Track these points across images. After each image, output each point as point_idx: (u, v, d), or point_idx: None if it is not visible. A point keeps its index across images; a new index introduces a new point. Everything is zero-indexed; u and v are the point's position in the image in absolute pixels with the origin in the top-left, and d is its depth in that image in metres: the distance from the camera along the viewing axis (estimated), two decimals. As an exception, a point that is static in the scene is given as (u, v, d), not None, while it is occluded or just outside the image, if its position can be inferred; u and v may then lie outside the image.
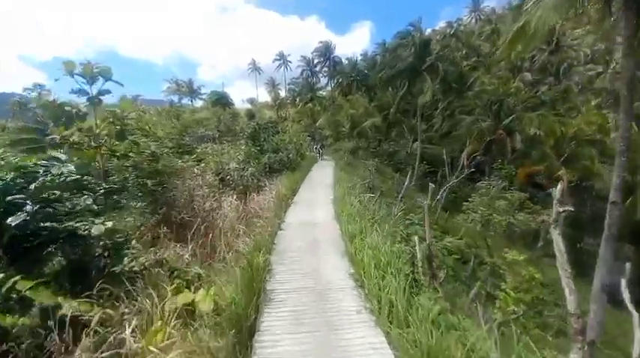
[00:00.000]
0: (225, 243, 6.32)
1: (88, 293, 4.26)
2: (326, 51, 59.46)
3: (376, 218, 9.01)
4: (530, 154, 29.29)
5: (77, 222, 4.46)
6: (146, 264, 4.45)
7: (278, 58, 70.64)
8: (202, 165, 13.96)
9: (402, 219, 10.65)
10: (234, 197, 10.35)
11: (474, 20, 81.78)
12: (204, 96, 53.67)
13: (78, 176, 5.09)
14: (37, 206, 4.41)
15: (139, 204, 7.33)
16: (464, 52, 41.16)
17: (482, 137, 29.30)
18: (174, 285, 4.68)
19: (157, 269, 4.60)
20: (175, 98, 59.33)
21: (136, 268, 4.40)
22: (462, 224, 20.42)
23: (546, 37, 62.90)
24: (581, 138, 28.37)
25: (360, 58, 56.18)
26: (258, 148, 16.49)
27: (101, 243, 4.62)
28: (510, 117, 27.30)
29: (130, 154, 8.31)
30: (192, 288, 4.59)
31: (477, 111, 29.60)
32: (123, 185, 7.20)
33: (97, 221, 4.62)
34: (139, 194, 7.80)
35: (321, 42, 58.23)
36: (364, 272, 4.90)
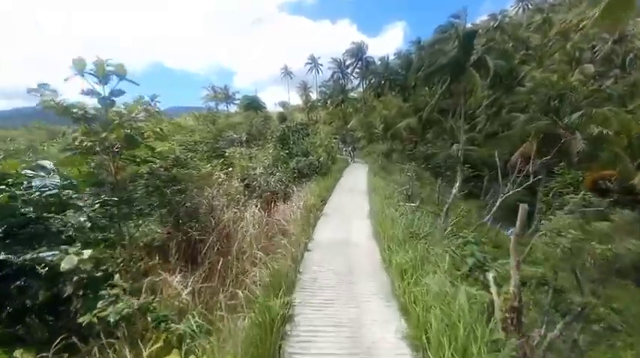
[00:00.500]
0: (239, 271, 5.01)
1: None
2: (358, 51, 57.62)
3: (422, 234, 7.31)
4: (597, 157, 25.15)
5: (43, 251, 3.39)
6: (125, 312, 3.27)
7: (309, 61, 70.16)
8: (230, 169, 13.09)
9: (454, 236, 8.75)
10: (258, 206, 9.17)
11: (520, 10, 75.02)
12: (238, 102, 54.75)
13: (58, 190, 4.09)
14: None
15: (146, 218, 6.33)
16: (510, 45, 37.13)
17: (538, 137, 25.74)
18: (163, 338, 3.43)
19: (140, 319, 3.40)
20: (212, 104, 61.12)
21: (111, 318, 3.22)
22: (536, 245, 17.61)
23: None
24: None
25: (393, 57, 53.69)
26: (287, 152, 15.34)
27: (75, 278, 3.51)
28: (577, 114, 23.52)
29: (149, 159, 7.44)
30: (184, 347, 3.30)
31: (533, 108, 26.02)
32: (130, 196, 6.24)
33: (71, 250, 3.53)
34: (151, 205, 6.84)
35: (353, 43, 56.50)
36: (427, 337, 3.28)
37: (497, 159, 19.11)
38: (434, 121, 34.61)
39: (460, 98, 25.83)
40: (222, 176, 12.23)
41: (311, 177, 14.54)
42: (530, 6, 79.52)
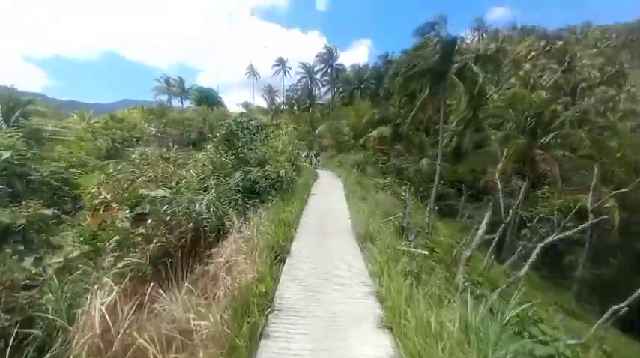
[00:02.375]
0: None
1: None
2: (329, 58, 54.06)
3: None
4: (569, 180, 23.94)
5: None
6: None
7: (277, 64, 65.03)
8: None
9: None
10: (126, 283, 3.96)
11: (477, 38, 78.25)
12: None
13: None
14: None
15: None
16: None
17: (516, 156, 23.77)
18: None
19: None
20: (164, 98, 52.66)
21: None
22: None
23: (558, 56, 58.15)
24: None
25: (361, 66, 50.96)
26: (234, 157, 10.21)
27: None
28: (551, 134, 21.85)
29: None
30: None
31: (509, 125, 24.01)
32: None
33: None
34: None
35: (325, 47, 52.77)
36: None
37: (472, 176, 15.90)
38: (403, 133, 31.76)
39: (438, 109, 22.92)
40: (105, 196, 6.72)
41: (267, 197, 9.57)
42: (484, 35, 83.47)
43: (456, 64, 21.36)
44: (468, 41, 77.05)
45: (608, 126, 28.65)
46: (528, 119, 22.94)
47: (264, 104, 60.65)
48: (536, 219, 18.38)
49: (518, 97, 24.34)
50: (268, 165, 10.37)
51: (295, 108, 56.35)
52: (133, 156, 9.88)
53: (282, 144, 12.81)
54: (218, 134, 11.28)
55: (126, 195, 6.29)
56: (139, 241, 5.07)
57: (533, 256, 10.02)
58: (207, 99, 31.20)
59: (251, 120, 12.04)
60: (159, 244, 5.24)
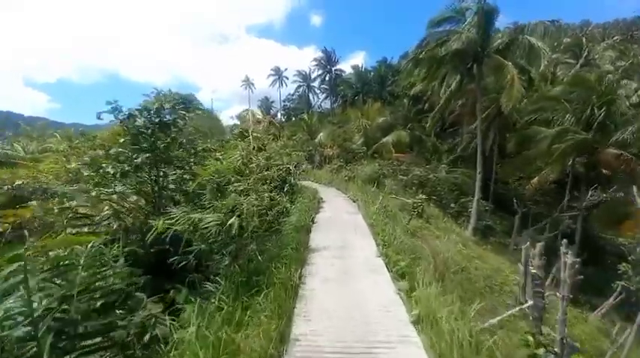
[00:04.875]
0: None
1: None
2: (327, 62, 48.93)
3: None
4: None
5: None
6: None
7: (273, 73, 60.11)
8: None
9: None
10: None
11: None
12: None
13: None
14: None
15: None
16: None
17: (573, 158, 17.72)
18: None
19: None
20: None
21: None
22: None
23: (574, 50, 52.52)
24: None
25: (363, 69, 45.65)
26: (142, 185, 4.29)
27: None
28: (631, 128, 15.90)
29: None
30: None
31: (568, 118, 17.97)
32: None
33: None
34: None
35: (323, 51, 47.65)
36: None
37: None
38: (422, 138, 25.85)
39: (475, 99, 17.10)
40: None
41: (202, 280, 3.39)
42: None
43: (499, 40, 15.62)
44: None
45: None
46: (595, 109, 16.87)
47: (260, 116, 55.34)
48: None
49: (576, 81, 18.31)
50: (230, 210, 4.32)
51: (293, 119, 51.03)
52: None
53: (241, 158, 6.68)
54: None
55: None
56: None
57: None
58: (185, 106, 25.64)
59: (184, 104, 6.13)
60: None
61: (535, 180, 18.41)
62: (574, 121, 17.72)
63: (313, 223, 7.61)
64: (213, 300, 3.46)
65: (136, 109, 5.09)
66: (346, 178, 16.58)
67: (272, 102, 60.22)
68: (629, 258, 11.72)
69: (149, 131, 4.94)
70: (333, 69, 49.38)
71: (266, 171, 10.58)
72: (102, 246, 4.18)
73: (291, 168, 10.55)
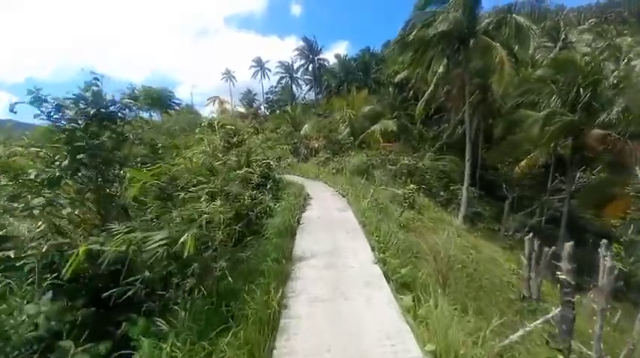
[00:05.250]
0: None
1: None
2: (309, 52, 47.34)
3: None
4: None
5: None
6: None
7: (255, 64, 57.83)
8: None
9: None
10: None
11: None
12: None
13: None
14: None
15: None
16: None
17: (553, 141, 17.55)
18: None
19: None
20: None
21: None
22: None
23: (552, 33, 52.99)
24: None
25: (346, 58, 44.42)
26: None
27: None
28: (617, 108, 15.82)
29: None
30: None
31: (553, 100, 17.72)
32: None
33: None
34: None
35: (305, 39, 45.96)
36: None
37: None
38: (408, 127, 25.31)
39: (462, 83, 16.52)
40: None
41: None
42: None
43: (487, 20, 14.96)
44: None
45: None
46: (581, 90, 16.67)
47: (243, 110, 53.37)
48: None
49: (562, 62, 17.99)
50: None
51: (277, 111, 49.46)
52: None
53: (204, 156, 5.61)
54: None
55: None
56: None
57: None
58: (160, 100, 23.64)
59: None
60: None
61: (523, 163, 18.20)
62: (560, 103, 17.52)
63: (299, 224, 6.77)
64: (164, 345, 2.59)
65: (67, 99, 4.00)
66: (334, 171, 15.77)
67: (255, 95, 58.22)
68: (622, 240, 11.63)
69: (82, 126, 3.89)
70: (315, 58, 47.90)
71: (246, 167, 9.58)
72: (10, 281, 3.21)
73: (271, 162, 9.58)
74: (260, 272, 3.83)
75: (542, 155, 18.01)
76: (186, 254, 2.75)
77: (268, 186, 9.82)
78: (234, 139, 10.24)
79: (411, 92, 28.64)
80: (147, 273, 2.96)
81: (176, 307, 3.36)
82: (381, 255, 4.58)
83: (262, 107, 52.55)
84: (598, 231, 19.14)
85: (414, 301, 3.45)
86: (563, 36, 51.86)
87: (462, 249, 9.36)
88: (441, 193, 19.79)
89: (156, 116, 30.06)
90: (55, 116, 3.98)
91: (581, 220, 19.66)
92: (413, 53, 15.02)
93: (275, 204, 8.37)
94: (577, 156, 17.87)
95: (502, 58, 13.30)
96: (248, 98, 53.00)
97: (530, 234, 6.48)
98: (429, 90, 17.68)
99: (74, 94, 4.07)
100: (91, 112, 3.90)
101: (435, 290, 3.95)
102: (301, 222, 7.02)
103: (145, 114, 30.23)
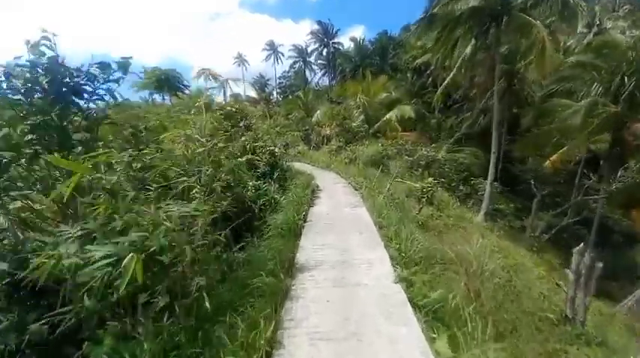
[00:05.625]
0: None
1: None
2: (324, 35, 45.26)
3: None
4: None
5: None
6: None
7: (267, 47, 56.11)
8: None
9: None
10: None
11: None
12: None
13: None
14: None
15: None
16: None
17: (593, 134, 15.79)
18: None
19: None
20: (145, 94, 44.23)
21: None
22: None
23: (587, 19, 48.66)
24: None
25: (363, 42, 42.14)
26: None
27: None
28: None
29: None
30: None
31: (595, 88, 15.81)
32: None
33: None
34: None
35: (319, 23, 43.84)
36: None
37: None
38: (419, 114, 23.72)
39: (492, 66, 14.85)
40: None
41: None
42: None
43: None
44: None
45: None
46: (625, 79, 14.70)
47: (255, 95, 52.30)
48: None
49: (603, 46, 15.87)
50: None
51: (290, 97, 48.18)
52: None
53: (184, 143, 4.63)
54: None
55: None
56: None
57: None
58: (168, 82, 22.66)
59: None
60: None
61: (554, 157, 16.52)
62: (602, 92, 15.59)
63: (305, 222, 5.92)
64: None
65: (18, 65, 3.17)
66: (346, 160, 14.74)
67: (267, 79, 56.86)
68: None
69: (28, 99, 3.08)
70: (330, 42, 45.84)
71: (252, 154, 8.76)
72: None
73: (276, 150, 8.64)
74: (250, 291, 3.00)
75: (580, 149, 16.27)
76: (125, 284, 1.93)
77: (275, 176, 8.99)
78: (241, 124, 9.38)
79: (430, 79, 26.75)
80: (86, 301, 2.19)
81: (138, 334, 2.60)
82: (404, 271, 3.65)
83: (274, 93, 51.28)
84: (625, 231, 17.58)
85: (448, 343, 2.56)
86: (598, 21, 47.42)
87: (489, 252, 8.32)
88: (460, 187, 18.51)
89: (168, 100, 29.53)
90: (3, 87, 3.19)
91: (609, 220, 18.10)
92: (440, 30, 13.43)
93: (281, 197, 7.56)
94: (614, 151, 16.09)
95: (544, 38, 11.64)
96: (260, 83, 51.73)
97: (582, 244, 5.40)
98: (451, 75, 16.07)
99: (27, 61, 3.24)
100: (44, 82, 3.07)
101: (472, 321, 3.04)
102: (308, 219, 6.16)
103: (158, 97, 29.78)
